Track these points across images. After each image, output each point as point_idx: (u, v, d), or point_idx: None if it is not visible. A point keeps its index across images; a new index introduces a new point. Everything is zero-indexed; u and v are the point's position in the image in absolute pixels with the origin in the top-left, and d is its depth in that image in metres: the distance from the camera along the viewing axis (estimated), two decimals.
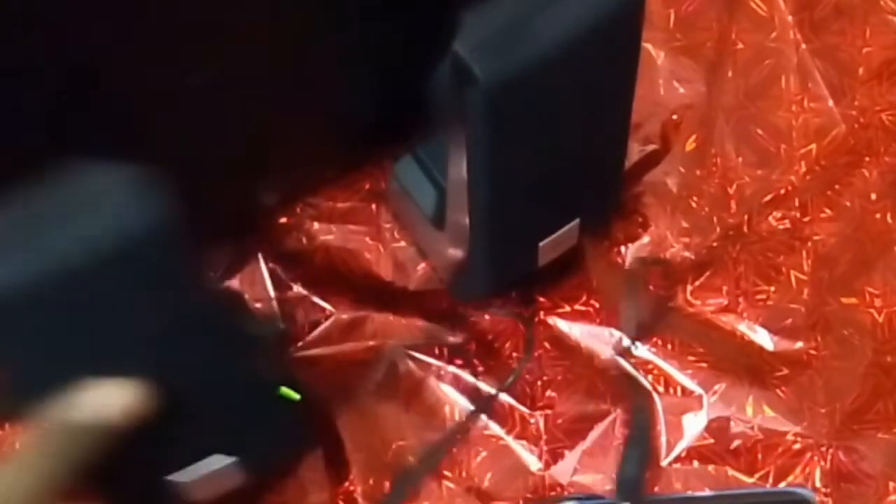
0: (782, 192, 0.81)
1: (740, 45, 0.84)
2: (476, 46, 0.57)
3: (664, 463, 0.74)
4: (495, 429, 0.76)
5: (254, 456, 0.66)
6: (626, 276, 0.79)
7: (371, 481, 0.75)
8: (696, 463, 0.75)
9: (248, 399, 0.63)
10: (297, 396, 0.65)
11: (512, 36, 0.57)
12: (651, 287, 0.78)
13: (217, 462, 0.64)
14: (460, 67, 0.57)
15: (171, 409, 0.56)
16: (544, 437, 0.76)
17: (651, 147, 0.82)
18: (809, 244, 0.80)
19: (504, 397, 0.77)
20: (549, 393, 0.77)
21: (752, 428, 0.75)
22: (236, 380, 0.61)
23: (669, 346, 0.77)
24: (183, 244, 0.53)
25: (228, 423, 0.63)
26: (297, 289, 0.79)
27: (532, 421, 0.76)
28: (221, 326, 0.58)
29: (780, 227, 0.80)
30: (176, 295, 0.54)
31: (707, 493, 0.72)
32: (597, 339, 0.78)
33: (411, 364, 0.77)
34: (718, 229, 0.80)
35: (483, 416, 0.76)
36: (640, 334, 0.77)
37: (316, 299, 0.79)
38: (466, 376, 0.77)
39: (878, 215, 0.80)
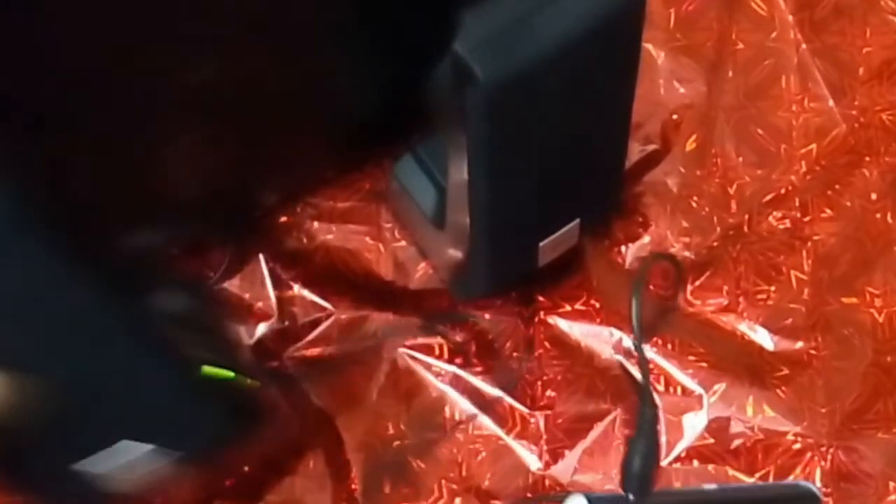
0: (782, 191, 0.81)
1: (740, 45, 0.84)
2: (476, 46, 0.57)
3: (664, 463, 0.74)
4: (495, 429, 0.76)
5: (177, 443, 0.63)
6: (630, 276, 0.79)
7: (371, 481, 0.75)
8: (696, 462, 0.75)
9: (154, 380, 0.60)
10: (228, 376, 0.64)
11: (512, 36, 0.57)
12: (651, 287, 0.78)
13: (133, 450, 0.61)
14: (460, 67, 0.57)
15: (53, 393, 0.54)
16: (544, 436, 0.76)
17: (651, 147, 0.82)
18: (810, 244, 0.80)
19: (504, 397, 0.77)
20: (549, 392, 0.77)
21: (752, 428, 0.75)
22: (133, 360, 0.58)
23: (670, 346, 0.77)
24: (23, 218, 0.50)
25: (135, 407, 0.60)
26: (298, 288, 0.79)
27: (532, 421, 0.76)
28: (104, 305, 0.56)
29: (781, 226, 0.80)
30: (18, 267, 0.52)
31: (713, 486, 0.72)
32: (597, 338, 0.78)
33: (411, 363, 0.77)
34: (719, 229, 0.80)
35: (483, 416, 0.76)
36: (645, 335, 0.77)
37: (316, 299, 0.79)
38: (466, 376, 0.77)
39: (878, 215, 0.80)
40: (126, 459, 0.62)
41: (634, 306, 0.67)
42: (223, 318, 0.75)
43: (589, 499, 0.67)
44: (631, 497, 0.68)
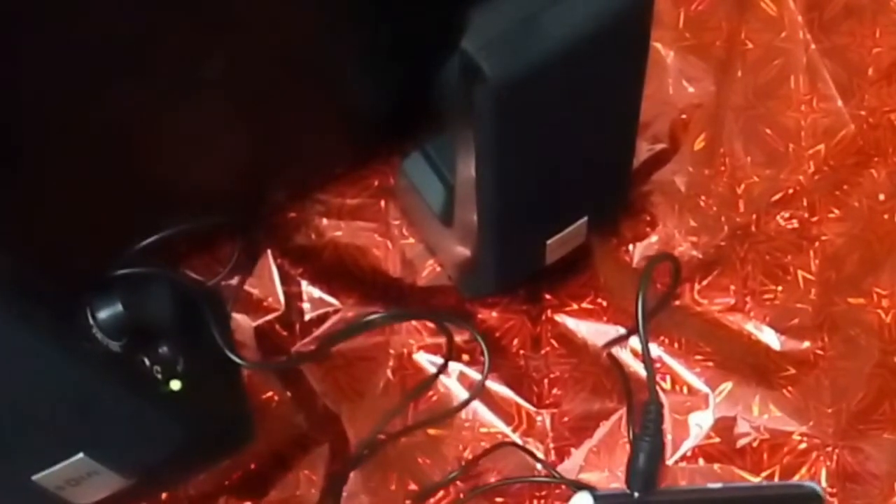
0: (790, 191, 0.81)
1: (750, 45, 0.84)
2: (485, 44, 0.57)
3: (670, 462, 0.74)
4: (502, 426, 0.76)
5: (127, 457, 0.63)
6: (637, 275, 0.79)
7: (376, 477, 0.75)
8: (701, 461, 0.75)
9: (91, 393, 0.60)
10: (178, 387, 0.64)
11: (520, 34, 0.57)
12: (658, 286, 0.78)
13: (85, 465, 0.61)
14: (469, 65, 0.57)
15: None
16: (550, 434, 0.76)
17: (659, 146, 0.82)
18: (817, 244, 0.80)
19: (511, 395, 0.77)
20: (555, 391, 0.77)
21: (758, 427, 0.75)
22: (64, 372, 0.58)
23: (676, 345, 0.77)
24: None
25: (87, 423, 0.60)
26: (305, 284, 0.79)
27: (538, 419, 0.76)
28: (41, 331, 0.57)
29: (788, 226, 0.80)
30: None
31: (718, 484, 0.72)
32: (604, 337, 0.78)
33: (418, 360, 0.78)
34: (726, 228, 0.80)
35: (490, 413, 0.77)
36: (651, 333, 0.77)
37: (324, 295, 0.79)
38: (473, 373, 0.77)
39: (886, 216, 0.80)
40: (83, 473, 0.62)
41: (640, 306, 0.67)
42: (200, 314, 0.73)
43: (595, 496, 0.67)
44: (636, 495, 0.68)
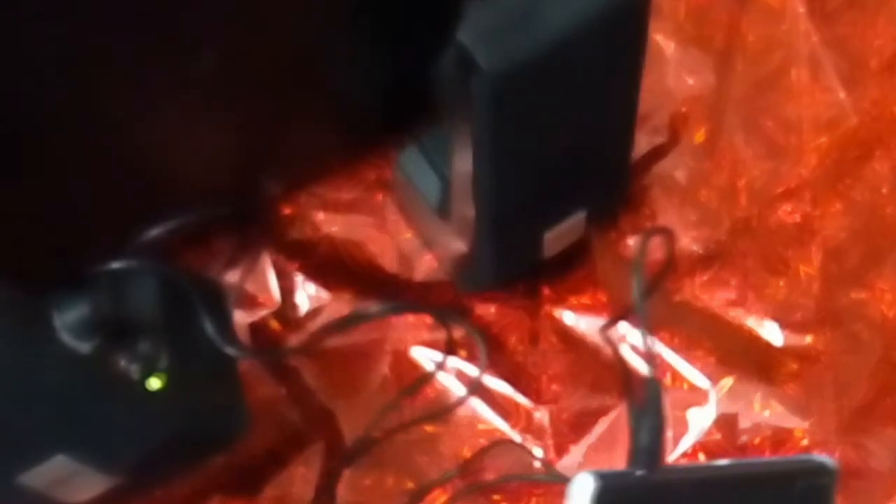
0: (792, 185, 0.80)
1: (750, 37, 0.83)
2: (480, 35, 0.57)
3: (671, 458, 0.74)
4: (500, 423, 0.76)
5: (108, 457, 0.63)
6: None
7: (372, 475, 0.75)
8: (702, 457, 0.74)
9: (59, 398, 0.59)
10: (158, 385, 0.63)
11: (516, 25, 0.57)
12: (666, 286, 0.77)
13: (67, 465, 0.61)
14: (464, 56, 0.57)
15: None
16: (549, 431, 0.76)
17: (659, 139, 0.82)
18: (819, 238, 0.79)
19: (509, 391, 0.76)
20: (554, 387, 0.77)
21: (759, 424, 0.75)
22: (26, 379, 0.58)
23: (677, 340, 0.77)
24: None
25: (51, 424, 0.60)
26: (301, 279, 0.79)
27: (537, 415, 0.76)
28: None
29: (790, 220, 0.80)
30: None
31: (725, 461, 0.71)
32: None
33: (415, 356, 0.77)
34: (727, 222, 0.80)
35: (487, 410, 0.76)
36: (652, 329, 0.77)
37: (320, 290, 0.79)
38: (471, 369, 0.77)
39: (888, 209, 0.80)
40: (67, 473, 0.61)
41: (636, 281, 0.66)
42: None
43: (598, 475, 0.65)
44: (639, 473, 0.66)
